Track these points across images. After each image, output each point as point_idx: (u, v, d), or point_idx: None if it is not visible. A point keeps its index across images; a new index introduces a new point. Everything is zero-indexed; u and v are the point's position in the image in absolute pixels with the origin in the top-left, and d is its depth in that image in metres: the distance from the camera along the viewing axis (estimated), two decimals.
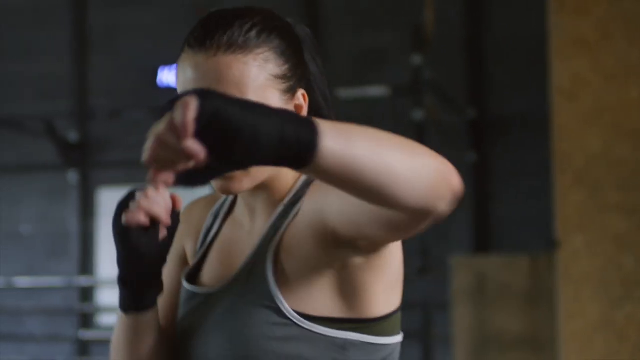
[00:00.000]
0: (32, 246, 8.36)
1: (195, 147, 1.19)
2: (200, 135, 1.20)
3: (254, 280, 1.55)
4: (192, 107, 1.19)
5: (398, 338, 1.59)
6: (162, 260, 1.54)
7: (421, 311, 6.73)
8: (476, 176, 7.39)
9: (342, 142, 1.26)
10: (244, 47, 1.52)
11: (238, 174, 1.53)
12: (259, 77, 1.53)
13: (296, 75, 1.58)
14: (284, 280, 1.53)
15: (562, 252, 5.33)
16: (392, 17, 7.60)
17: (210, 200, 1.73)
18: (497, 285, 6.16)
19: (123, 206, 1.51)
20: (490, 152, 7.42)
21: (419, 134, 6.68)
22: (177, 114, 1.19)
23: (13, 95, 8.49)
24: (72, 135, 8.35)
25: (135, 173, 7.96)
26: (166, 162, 1.23)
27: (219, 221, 1.70)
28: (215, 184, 1.54)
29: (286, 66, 1.56)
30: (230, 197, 1.69)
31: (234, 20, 1.54)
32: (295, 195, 1.58)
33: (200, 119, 1.20)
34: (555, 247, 5.36)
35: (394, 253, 1.53)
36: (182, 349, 1.63)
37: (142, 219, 1.47)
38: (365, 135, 1.30)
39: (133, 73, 8.19)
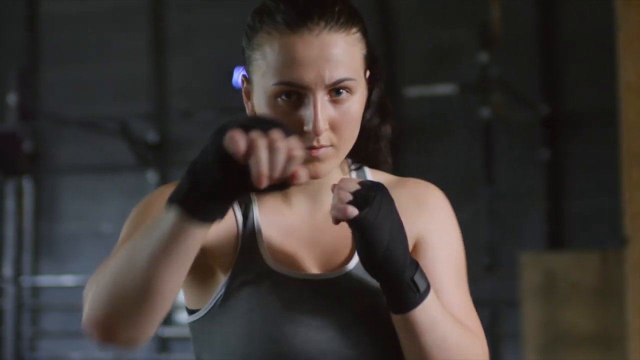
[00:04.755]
0: (113, 245, 8.43)
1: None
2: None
3: None
4: (347, 215, 1.43)
5: None
6: (237, 195, 1.34)
7: (490, 308, 6.70)
8: (549, 172, 7.34)
9: (433, 317, 1.51)
10: (342, 26, 1.52)
11: (330, 154, 1.52)
12: (357, 56, 1.54)
13: (370, 55, 1.60)
14: None
15: (631, 249, 5.27)
16: (463, 15, 7.57)
17: None
18: (567, 282, 6.11)
19: (246, 124, 1.29)
20: (563, 148, 7.36)
21: (487, 131, 6.66)
22: (339, 206, 1.44)
23: (93, 97, 8.64)
24: (151, 136, 8.47)
25: None
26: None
27: (256, 207, 1.61)
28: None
29: (368, 47, 1.58)
30: None
31: (326, 1, 1.52)
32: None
33: (351, 221, 1.44)
34: (624, 243, 5.30)
35: None
36: (289, 335, 1.52)
37: (243, 150, 1.27)
38: (450, 322, 1.54)
39: (209, 73, 8.28)
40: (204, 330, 1.60)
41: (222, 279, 1.59)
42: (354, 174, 1.68)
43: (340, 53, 1.50)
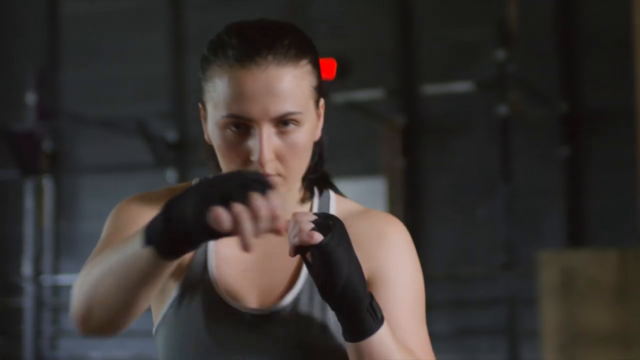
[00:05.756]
0: None
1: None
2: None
3: (314, 300, 1.61)
4: (314, 240, 1.43)
5: None
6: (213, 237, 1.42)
7: (508, 307, 6.69)
8: (567, 170, 7.32)
9: (388, 344, 1.51)
10: (290, 60, 1.55)
11: (278, 183, 1.53)
12: (305, 89, 1.58)
13: (321, 85, 1.64)
14: None
15: None
16: (480, 12, 7.56)
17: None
18: (586, 280, 6.10)
19: (224, 193, 1.36)
20: (583, 145, 7.34)
21: (504, 129, 6.65)
22: (305, 232, 1.43)
23: (112, 96, 8.68)
24: (170, 135, 8.50)
25: None
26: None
27: None
28: None
29: (318, 78, 1.62)
30: None
31: (277, 35, 1.57)
32: (321, 208, 1.69)
33: (314, 246, 1.44)
34: None
35: None
36: None
37: (230, 228, 1.35)
38: (404, 352, 1.53)
39: None
40: (155, 346, 1.68)
41: (172, 296, 1.65)
42: (316, 201, 1.70)
43: (287, 87, 1.55)
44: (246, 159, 1.55)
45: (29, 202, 8.29)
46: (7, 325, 8.88)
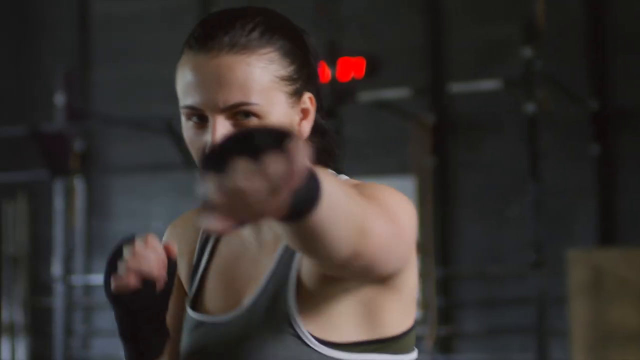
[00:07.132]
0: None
1: (283, 207, 1.07)
2: None
3: (273, 307, 1.46)
4: (300, 173, 1.05)
5: (414, 354, 1.53)
6: (163, 310, 1.47)
7: (536, 306, 6.67)
8: (599, 168, 7.29)
9: (333, 204, 1.16)
10: (247, 48, 1.45)
11: None
12: (263, 79, 1.45)
13: (302, 77, 1.51)
14: (305, 308, 1.45)
15: None
16: (508, 10, 7.54)
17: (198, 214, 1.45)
18: (615, 279, 6.07)
19: (112, 266, 1.42)
20: (613, 143, 7.31)
21: (532, 127, 6.63)
22: (286, 170, 1.03)
23: (142, 97, 8.71)
24: None
25: None
26: (238, 210, 1.05)
27: (213, 238, 1.60)
28: None
29: (292, 67, 1.49)
30: None
31: (236, 20, 1.47)
32: None
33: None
34: None
35: (409, 270, 1.45)
36: None
37: (132, 282, 1.40)
38: (352, 203, 1.22)
39: None
40: None
41: None
42: None
43: (240, 76, 1.44)
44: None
45: (58, 203, 8.34)
46: (38, 324, 8.94)
